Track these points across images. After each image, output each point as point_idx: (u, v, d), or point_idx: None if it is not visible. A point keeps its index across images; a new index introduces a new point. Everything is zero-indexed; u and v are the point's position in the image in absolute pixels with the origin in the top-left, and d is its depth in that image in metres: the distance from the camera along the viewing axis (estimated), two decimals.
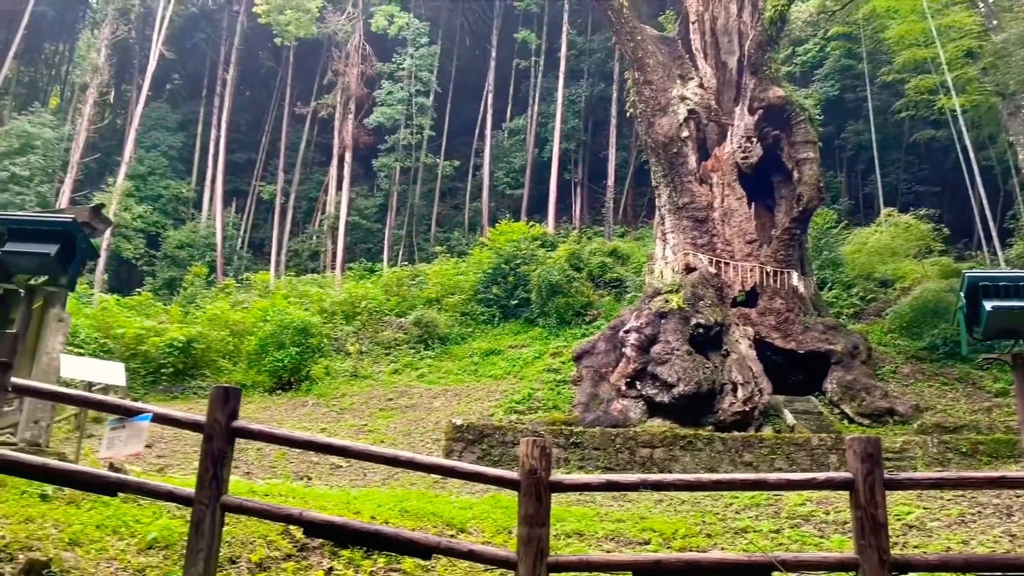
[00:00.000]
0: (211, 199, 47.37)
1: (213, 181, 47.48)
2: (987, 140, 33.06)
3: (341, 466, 15.63)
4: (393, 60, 47.73)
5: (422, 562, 7.00)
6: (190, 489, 5.70)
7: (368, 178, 49.47)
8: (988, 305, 4.64)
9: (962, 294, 4.76)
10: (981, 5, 30.73)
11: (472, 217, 47.19)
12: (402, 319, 30.00)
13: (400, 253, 44.71)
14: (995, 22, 29.14)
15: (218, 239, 44.75)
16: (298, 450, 15.27)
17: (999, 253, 27.65)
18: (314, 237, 48.13)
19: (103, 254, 37.83)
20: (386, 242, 45.03)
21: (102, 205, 14.05)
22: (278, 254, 46.48)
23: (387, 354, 27.50)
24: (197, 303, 32.93)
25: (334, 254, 44.10)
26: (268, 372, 24.22)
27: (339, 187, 46.33)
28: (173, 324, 27.53)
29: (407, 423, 19.93)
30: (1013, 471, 10.63)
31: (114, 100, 52.86)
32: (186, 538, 5.62)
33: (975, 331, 4.80)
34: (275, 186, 49.35)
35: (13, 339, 5.44)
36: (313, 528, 5.97)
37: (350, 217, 45.18)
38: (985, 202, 28.77)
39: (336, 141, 47.37)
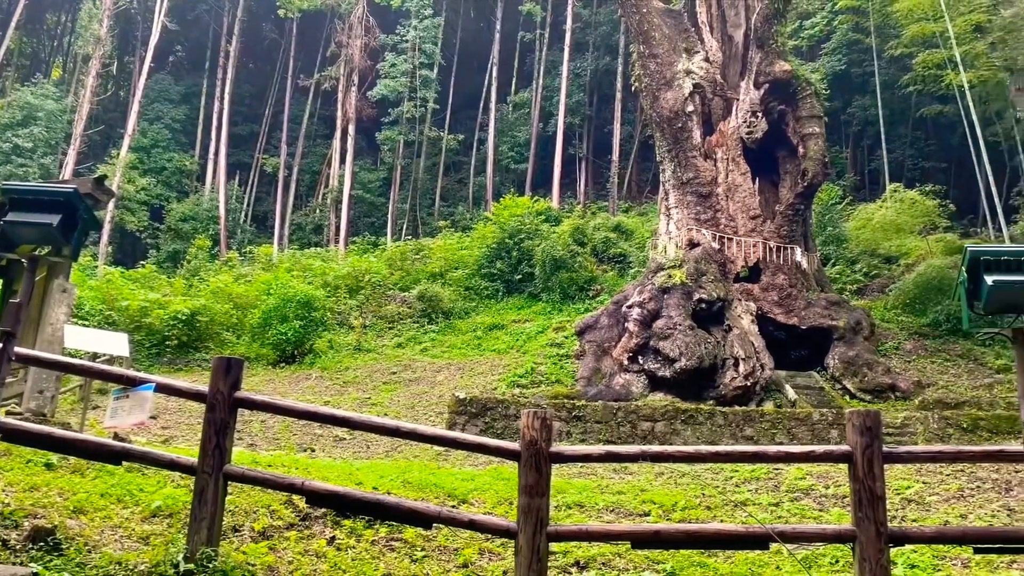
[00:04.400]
0: (214, 172, 47.27)
1: (216, 154, 47.35)
2: (994, 116, 32.77)
3: (344, 438, 15.74)
4: (397, 32, 47.40)
5: (424, 532, 7.08)
6: (193, 458, 5.76)
7: (371, 151, 49.31)
8: (990, 279, 4.61)
9: (964, 268, 4.73)
10: None
11: (476, 191, 47.07)
12: (406, 293, 30.04)
13: (404, 227, 44.68)
14: None
15: (221, 212, 44.70)
16: (302, 422, 15.39)
17: (1004, 229, 27.54)
18: (317, 211, 48.07)
19: (107, 226, 37.87)
20: (390, 216, 44.97)
21: (104, 176, 14.04)
22: (281, 227, 46.44)
23: (391, 328, 27.58)
24: (201, 276, 32.97)
25: (337, 228, 44.07)
26: (272, 345, 24.29)
27: (342, 160, 46.19)
28: (177, 297, 27.61)
29: (410, 396, 20.03)
30: (1012, 445, 10.65)
31: (117, 72, 52.60)
32: (189, 507, 5.69)
33: (976, 305, 4.77)
34: (278, 159, 49.22)
35: (16, 308, 5.45)
36: (315, 497, 6.03)
37: (353, 191, 45.06)
38: (991, 178, 28.59)
39: (339, 114, 47.13)
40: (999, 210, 28.22)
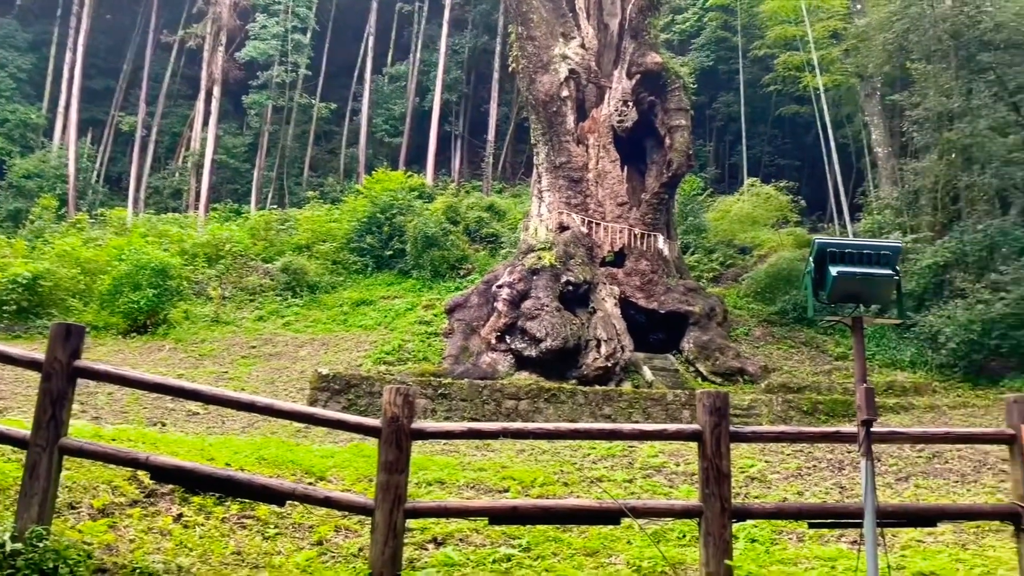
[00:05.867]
0: (64, 127, 43.96)
1: (67, 108, 44.01)
2: (845, 119, 35.13)
3: (198, 413, 15.10)
4: None
5: (277, 509, 6.90)
6: (27, 431, 5.37)
7: (238, 115, 47.23)
8: (834, 270, 4.92)
9: (811, 259, 5.02)
10: None
11: (348, 163, 46.02)
12: (269, 265, 29.03)
13: (270, 196, 43.10)
14: (859, 6, 30.79)
15: (71, 171, 41.64)
16: (153, 395, 14.64)
17: (848, 227, 29.60)
18: (177, 174, 45.67)
19: None
20: (255, 184, 43.23)
21: None
22: (137, 190, 43.81)
23: (251, 300, 26.60)
24: (45, 238, 30.62)
25: (198, 193, 41.92)
26: (122, 314, 22.95)
27: (206, 123, 43.89)
28: (17, 259, 25.55)
29: (271, 372, 19.42)
30: (846, 427, 11.55)
31: None
32: (20, 482, 5.30)
33: (820, 294, 5.07)
34: (136, 118, 46.29)
35: None
36: (161, 473, 5.76)
37: (217, 155, 42.96)
38: (839, 178, 30.66)
39: (204, 74, 44.75)
40: (845, 208, 30.31)
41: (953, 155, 23.40)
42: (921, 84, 24.55)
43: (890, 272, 4.90)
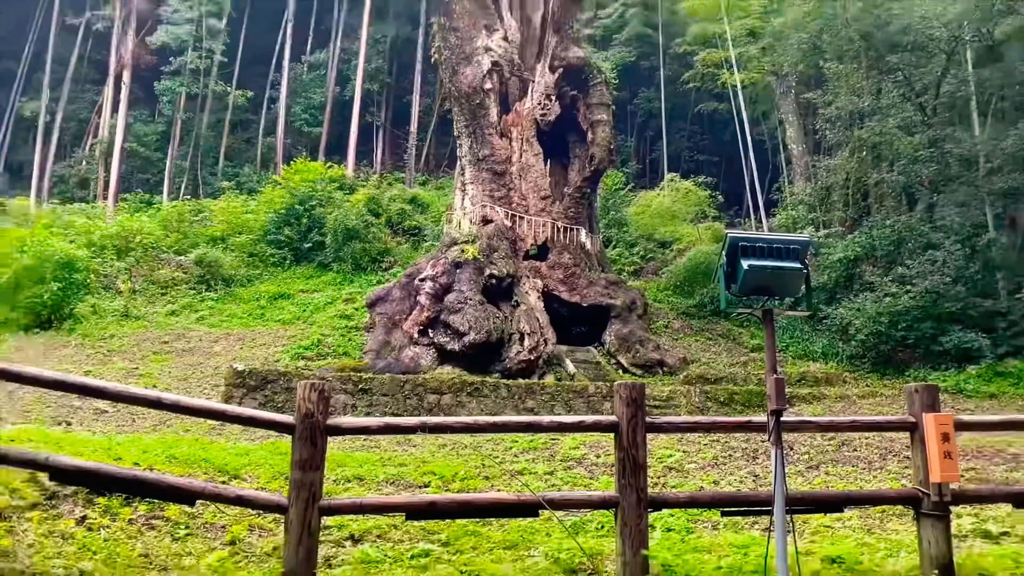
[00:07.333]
0: None
1: None
2: (762, 116, 36.09)
3: (107, 411, 14.52)
4: None
5: (188, 509, 6.67)
6: None
7: (150, 102, 45.47)
8: (745, 264, 4.98)
9: (723, 253, 5.07)
10: None
11: (265, 153, 44.86)
12: (182, 257, 28.03)
13: (183, 186, 41.60)
14: (776, 6, 31.66)
15: None
16: (57, 393, 13.98)
17: (764, 222, 30.47)
18: (84, 163, 43.74)
19: None
20: (167, 173, 41.67)
21: None
22: (40, 179, 41.79)
23: (163, 294, 25.66)
24: None
25: (107, 183, 40.21)
26: (24, 309, 21.87)
27: (115, 110, 42.15)
28: None
29: (184, 368, 18.80)
30: (759, 417, 11.87)
31: None
32: None
33: (733, 288, 5.13)
34: (39, 103, 44.06)
35: None
36: (63, 474, 5.45)
37: (127, 143, 41.28)
38: (756, 173, 31.49)
39: (113, 58, 42.98)
40: (761, 203, 31.19)
41: (863, 153, 24.34)
42: (833, 83, 25.44)
43: (799, 266, 5.00)
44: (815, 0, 24.42)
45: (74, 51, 45.54)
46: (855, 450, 11.28)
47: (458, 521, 7.00)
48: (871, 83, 23.85)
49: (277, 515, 6.24)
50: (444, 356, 18.64)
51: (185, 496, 5.50)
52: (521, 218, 21.98)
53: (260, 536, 6.77)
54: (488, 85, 22.43)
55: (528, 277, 20.83)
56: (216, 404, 6.84)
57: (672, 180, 31.77)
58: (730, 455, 11.09)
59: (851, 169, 24.96)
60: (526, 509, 5.60)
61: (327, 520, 6.45)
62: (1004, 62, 21.88)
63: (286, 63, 45.48)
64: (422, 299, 19.39)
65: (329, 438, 5.38)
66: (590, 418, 6.03)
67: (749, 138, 31.04)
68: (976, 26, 21.43)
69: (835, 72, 25.05)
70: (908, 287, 19.81)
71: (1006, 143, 20.67)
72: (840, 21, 23.70)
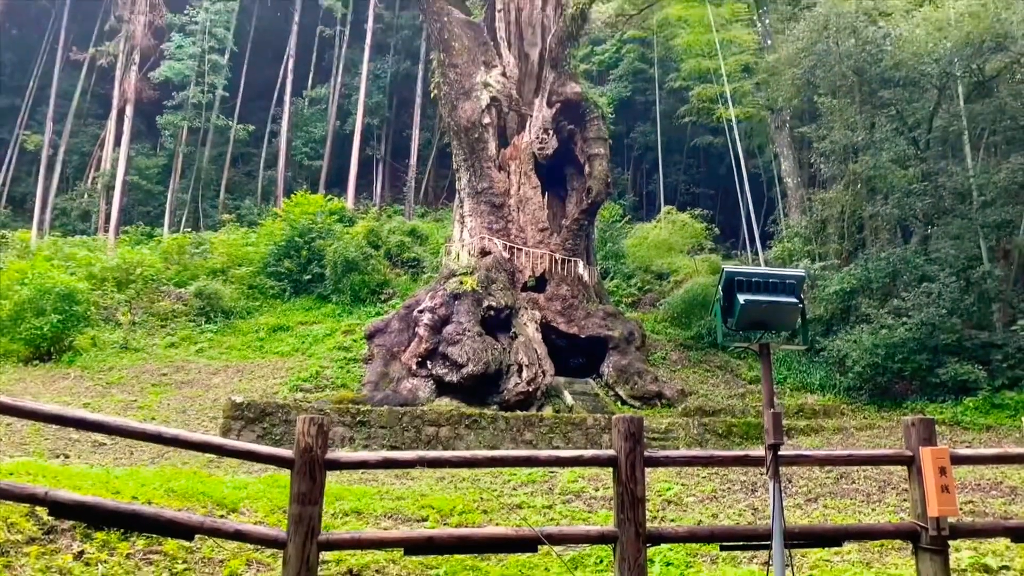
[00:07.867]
0: None
1: None
2: (756, 150, 36.43)
3: (105, 444, 14.48)
4: (186, 12, 44.41)
5: (186, 544, 6.65)
6: None
7: (151, 136, 45.86)
8: (741, 298, 5.05)
9: (720, 287, 5.15)
10: (759, 25, 33.72)
11: (266, 186, 45.14)
12: (182, 289, 28.11)
13: (184, 219, 41.79)
14: (769, 42, 32.10)
15: None
16: (54, 426, 13.95)
17: (760, 254, 30.60)
18: (86, 195, 43.95)
19: None
20: (168, 206, 41.90)
21: None
22: (42, 212, 41.91)
23: (163, 326, 25.69)
24: None
25: (108, 215, 40.36)
26: (24, 341, 21.88)
27: (117, 143, 42.37)
28: None
29: (183, 400, 18.78)
30: (756, 450, 11.87)
31: None
32: None
33: (729, 322, 5.20)
34: (42, 136, 44.40)
35: None
36: (61, 508, 5.46)
37: (128, 176, 41.48)
38: (751, 206, 31.67)
39: (116, 93, 43.30)
40: (757, 235, 31.35)
41: (858, 186, 24.54)
42: (827, 118, 25.71)
43: (795, 300, 5.07)
44: (808, 37, 24.76)
45: (78, 86, 45.98)
46: (853, 482, 11.27)
47: (456, 556, 7.00)
48: (864, 117, 24.12)
49: (275, 550, 6.25)
50: (442, 388, 18.64)
51: (183, 530, 5.50)
52: (519, 250, 22.12)
53: (258, 571, 6.76)
54: (487, 120, 22.70)
55: (526, 309, 20.90)
56: (215, 438, 6.87)
57: (669, 212, 31.97)
58: (729, 487, 11.07)
59: (846, 202, 25.16)
60: (524, 544, 5.61)
61: (325, 555, 6.45)
62: (995, 97, 22.15)
63: (287, 97, 45.95)
64: (420, 331, 19.44)
65: (328, 472, 5.42)
66: (588, 452, 6.06)
67: (745, 171, 31.25)
68: (967, 62, 21.73)
69: (829, 107, 25.35)
70: (904, 319, 19.87)
71: (998, 176, 20.86)
72: (833, 57, 24.03)
